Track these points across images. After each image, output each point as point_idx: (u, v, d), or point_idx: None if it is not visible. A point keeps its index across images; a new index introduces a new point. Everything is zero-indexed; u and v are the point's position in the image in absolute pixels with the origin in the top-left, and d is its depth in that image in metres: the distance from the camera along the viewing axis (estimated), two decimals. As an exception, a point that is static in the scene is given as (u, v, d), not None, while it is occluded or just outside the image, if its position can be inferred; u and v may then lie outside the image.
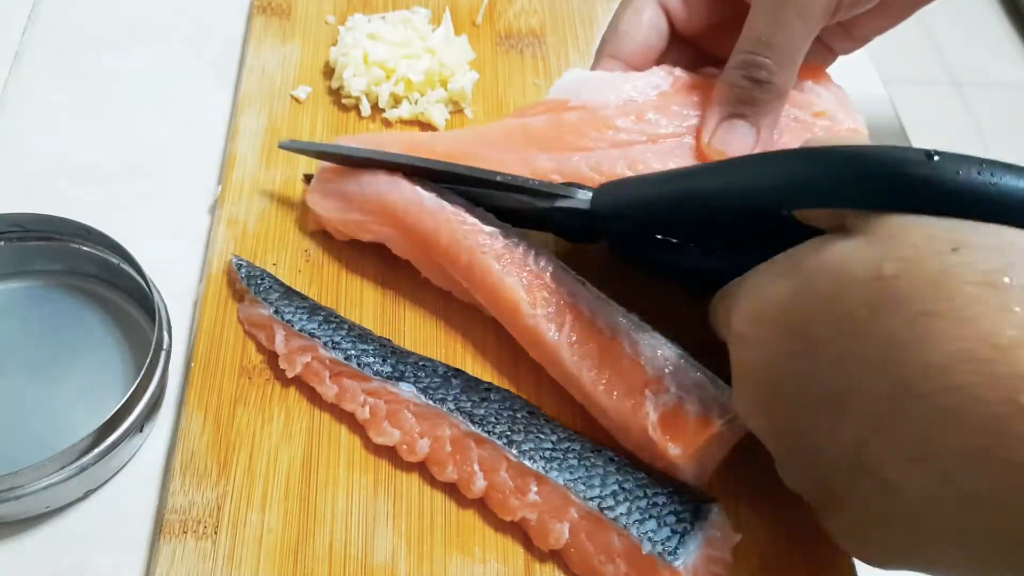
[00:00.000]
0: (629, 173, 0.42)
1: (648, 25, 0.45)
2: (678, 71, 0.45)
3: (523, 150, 0.44)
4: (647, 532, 0.35)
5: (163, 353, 0.39)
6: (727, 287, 0.36)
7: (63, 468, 0.36)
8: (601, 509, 0.35)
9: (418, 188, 0.42)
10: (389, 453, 0.39)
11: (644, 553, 0.34)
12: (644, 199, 0.39)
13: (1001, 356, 0.25)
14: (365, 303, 0.44)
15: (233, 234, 0.46)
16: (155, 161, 0.50)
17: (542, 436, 0.38)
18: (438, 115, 0.51)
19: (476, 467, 0.37)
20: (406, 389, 0.39)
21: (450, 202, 0.42)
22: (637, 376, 0.38)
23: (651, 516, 0.35)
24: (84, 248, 0.43)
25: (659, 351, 0.38)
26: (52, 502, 0.37)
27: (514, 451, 0.37)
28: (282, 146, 0.46)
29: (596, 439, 0.39)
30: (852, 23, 0.45)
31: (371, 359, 0.40)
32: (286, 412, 0.40)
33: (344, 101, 0.52)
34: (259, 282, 0.43)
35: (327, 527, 0.37)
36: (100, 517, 0.38)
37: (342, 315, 0.43)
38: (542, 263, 0.41)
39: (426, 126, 0.51)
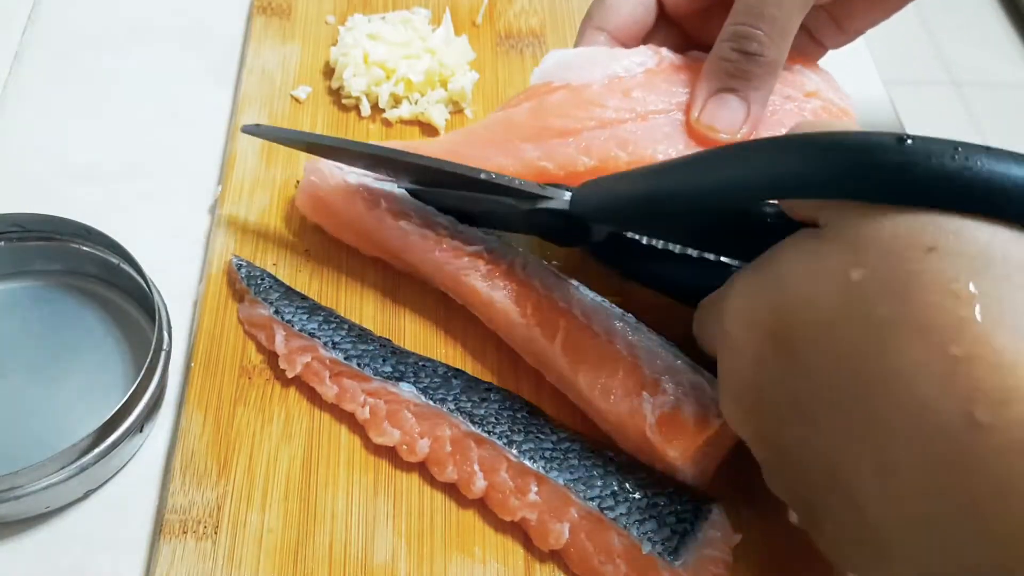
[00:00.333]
0: (621, 154, 0.41)
1: None
2: (665, 51, 0.44)
3: (508, 143, 0.43)
4: (647, 532, 0.35)
5: (163, 353, 0.39)
6: (714, 293, 0.35)
7: (63, 468, 0.36)
8: (601, 509, 0.35)
9: (401, 222, 0.42)
10: (389, 453, 0.39)
11: (644, 553, 0.34)
12: (621, 197, 0.37)
13: (958, 368, 0.24)
14: (365, 303, 0.44)
15: (233, 234, 0.46)
16: (155, 161, 0.50)
17: (542, 436, 0.38)
18: (438, 115, 0.51)
19: (476, 467, 0.37)
20: (406, 389, 0.39)
21: (432, 225, 0.42)
22: (634, 379, 0.38)
23: (651, 516, 0.35)
24: (84, 248, 0.43)
25: (656, 353, 0.38)
26: (52, 502, 0.37)
27: (514, 451, 0.37)
28: (244, 130, 0.44)
29: (596, 439, 0.39)
30: (843, 15, 0.44)
31: (371, 359, 0.40)
32: (286, 412, 0.40)
33: (344, 101, 0.52)
34: (259, 282, 0.43)
35: (327, 527, 0.37)
36: (100, 517, 0.38)
37: (342, 315, 0.43)
38: (531, 272, 0.41)
39: (426, 126, 0.51)
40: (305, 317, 0.41)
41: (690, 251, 0.40)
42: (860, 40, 0.48)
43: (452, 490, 0.38)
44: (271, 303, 0.42)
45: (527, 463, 0.37)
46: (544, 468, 0.37)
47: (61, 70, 0.54)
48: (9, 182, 0.48)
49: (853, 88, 0.46)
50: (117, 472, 0.39)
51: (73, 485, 0.36)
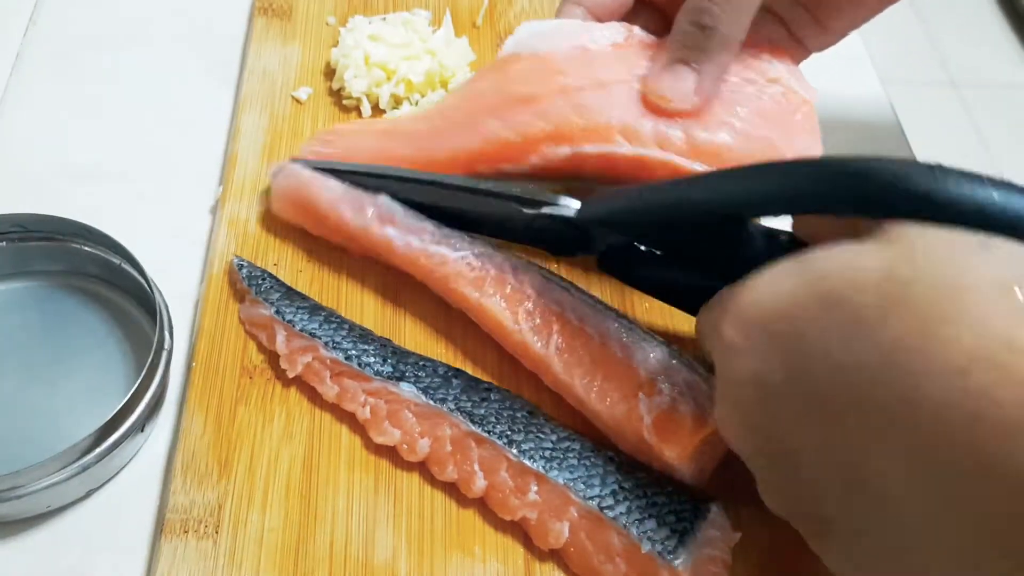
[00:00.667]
0: (577, 120, 0.41)
1: None
2: (636, 29, 0.44)
3: (472, 121, 0.43)
4: (647, 531, 0.35)
5: (164, 353, 0.40)
6: (717, 295, 0.34)
7: (64, 468, 0.36)
8: (601, 508, 0.36)
9: (387, 229, 0.42)
10: (389, 453, 0.39)
11: (644, 552, 0.34)
12: (636, 208, 0.38)
13: (1019, 359, 0.24)
14: (366, 303, 0.44)
15: (234, 234, 0.46)
16: (156, 161, 0.50)
17: (542, 436, 0.38)
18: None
19: (476, 467, 0.38)
20: (406, 389, 0.39)
21: (417, 231, 0.42)
22: (630, 380, 0.38)
23: (651, 515, 0.35)
24: (85, 248, 0.43)
25: (651, 353, 0.38)
26: (53, 501, 0.37)
27: (514, 451, 0.37)
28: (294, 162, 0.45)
29: (596, 439, 0.39)
30: (825, 14, 0.44)
31: (372, 359, 0.40)
32: (287, 412, 0.40)
33: (345, 102, 0.52)
34: (260, 282, 0.43)
35: (328, 526, 0.37)
36: (101, 516, 0.38)
37: (343, 315, 0.43)
38: (522, 276, 0.41)
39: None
40: (306, 317, 0.41)
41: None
42: (858, 39, 0.48)
43: (452, 489, 0.38)
44: (272, 303, 0.42)
45: (527, 463, 0.37)
46: (544, 467, 0.37)
47: (62, 70, 0.54)
48: (10, 182, 0.48)
49: (852, 88, 0.46)
50: (118, 472, 0.39)
51: (74, 485, 0.37)
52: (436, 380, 0.40)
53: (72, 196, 0.48)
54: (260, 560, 0.36)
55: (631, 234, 0.40)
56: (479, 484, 0.37)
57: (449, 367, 0.41)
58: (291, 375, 0.40)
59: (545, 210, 0.40)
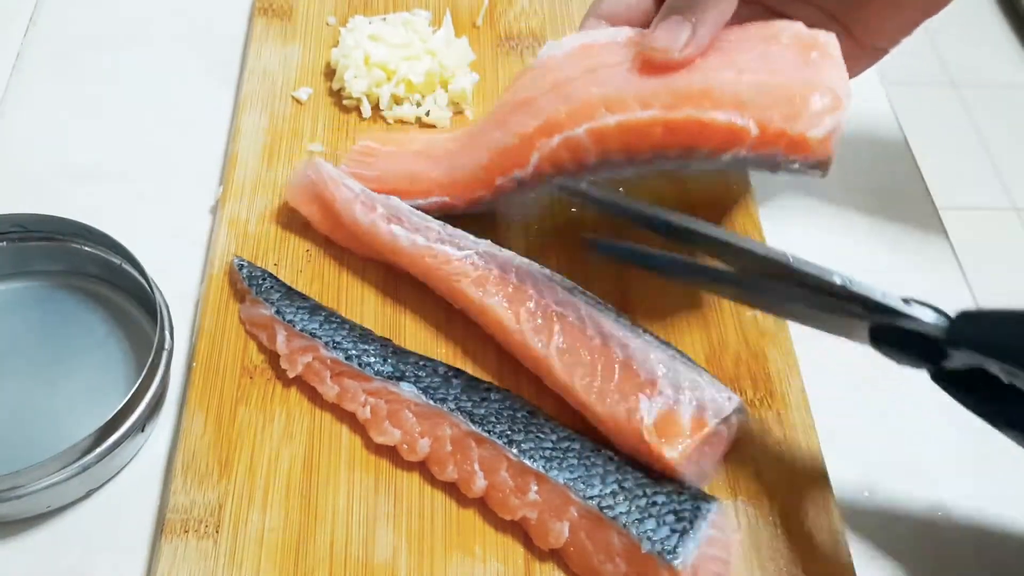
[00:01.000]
0: (561, 108, 0.41)
1: None
2: (643, 31, 0.43)
3: (482, 135, 0.43)
4: (646, 531, 0.35)
5: (165, 353, 0.40)
6: None
7: (65, 467, 0.36)
8: (601, 508, 0.36)
9: (393, 226, 0.43)
10: (390, 453, 0.39)
11: (643, 552, 0.34)
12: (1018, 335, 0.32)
13: None
14: (366, 303, 0.44)
15: (234, 235, 0.46)
16: (157, 161, 0.50)
17: (542, 436, 0.38)
18: (442, 117, 0.51)
19: (476, 466, 0.38)
20: (407, 389, 0.39)
21: (422, 230, 0.43)
22: (630, 381, 0.38)
23: (650, 515, 0.35)
24: (86, 248, 0.43)
25: (651, 354, 0.38)
26: (54, 501, 0.37)
27: (514, 450, 0.37)
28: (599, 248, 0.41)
29: (596, 438, 0.39)
30: (860, 29, 0.44)
31: (372, 359, 0.40)
32: (287, 412, 0.40)
33: (345, 102, 0.52)
34: (260, 282, 0.43)
35: (328, 526, 0.37)
36: (102, 516, 0.38)
37: (343, 315, 0.43)
38: (524, 277, 0.41)
39: (426, 127, 0.52)
40: (306, 317, 0.42)
41: None
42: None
43: (452, 489, 0.38)
44: (272, 303, 0.42)
45: (527, 462, 0.37)
46: (544, 467, 0.37)
47: (63, 71, 0.54)
48: (11, 182, 0.49)
49: (851, 88, 0.46)
50: (119, 472, 0.39)
51: (75, 484, 0.37)
52: (436, 380, 0.40)
53: (72, 196, 0.48)
54: (260, 560, 0.36)
55: (1000, 356, 0.33)
56: (479, 484, 0.37)
57: (449, 367, 0.41)
58: (291, 375, 0.41)
59: (899, 322, 0.34)
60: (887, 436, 0.43)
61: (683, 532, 0.35)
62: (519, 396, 0.40)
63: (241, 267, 0.44)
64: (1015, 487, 0.42)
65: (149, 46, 0.55)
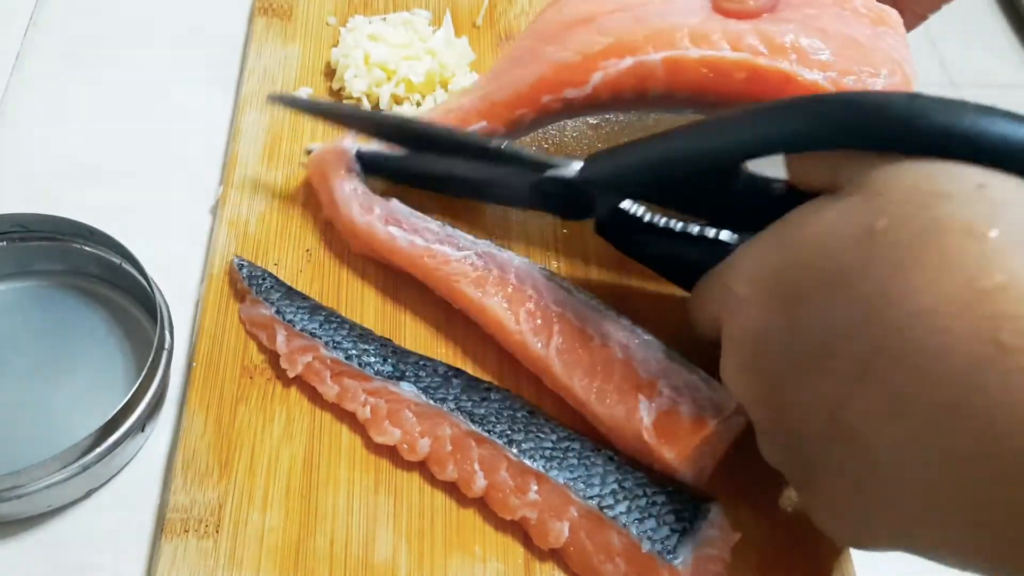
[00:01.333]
0: (638, 28, 0.39)
1: None
2: None
3: (531, 54, 0.43)
4: (646, 531, 0.35)
5: (165, 353, 0.40)
6: (718, 266, 0.36)
7: (65, 467, 0.36)
8: (601, 508, 0.36)
9: (391, 228, 0.43)
10: (390, 452, 0.39)
11: (643, 552, 0.34)
12: (633, 164, 0.37)
13: (984, 299, 0.26)
14: (366, 303, 0.44)
15: (234, 234, 0.46)
16: (157, 161, 0.50)
17: (542, 435, 0.38)
18: (438, 116, 0.51)
19: (476, 466, 0.38)
20: (407, 389, 0.39)
21: (420, 231, 0.43)
22: (629, 381, 0.38)
23: (650, 515, 0.35)
24: (86, 248, 0.43)
25: (651, 354, 0.38)
26: (54, 501, 0.37)
27: (514, 450, 0.37)
28: (270, 99, 0.48)
29: (596, 438, 0.39)
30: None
31: (372, 359, 0.40)
32: (287, 412, 0.40)
33: (345, 102, 0.52)
34: (260, 282, 0.43)
35: (328, 526, 0.37)
36: (102, 516, 0.38)
37: (343, 315, 0.43)
38: (524, 276, 0.41)
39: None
40: (306, 317, 0.42)
41: (692, 229, 0.39)
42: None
43: (452, 489, 0.38)
44: (272, 303, 0.42)
45: (527, 462, 0.37)
46: (544, 467, 0.37)
47: (63, 71, 0.54)
48: (11, 182, 0.49)
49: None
50: (119, 471, 0.39)
51: (75, 484, 0.37)
52: (436, 380, 0.40)
53: (72, 196, 0.48)
54: (260, 559, 0.36)
55: (630, 193, 0.39)
56: (479, 484, 0.37)
57: (449, 367, 0.41)
58: (291, 375, 0.41)
59: (549, 173, 0.40)
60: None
61: (683, 532, 0.35)
62: (519, 396, 0.40)
63: (241, 267, 0.44)
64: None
65: (149, 46, 0.55)
